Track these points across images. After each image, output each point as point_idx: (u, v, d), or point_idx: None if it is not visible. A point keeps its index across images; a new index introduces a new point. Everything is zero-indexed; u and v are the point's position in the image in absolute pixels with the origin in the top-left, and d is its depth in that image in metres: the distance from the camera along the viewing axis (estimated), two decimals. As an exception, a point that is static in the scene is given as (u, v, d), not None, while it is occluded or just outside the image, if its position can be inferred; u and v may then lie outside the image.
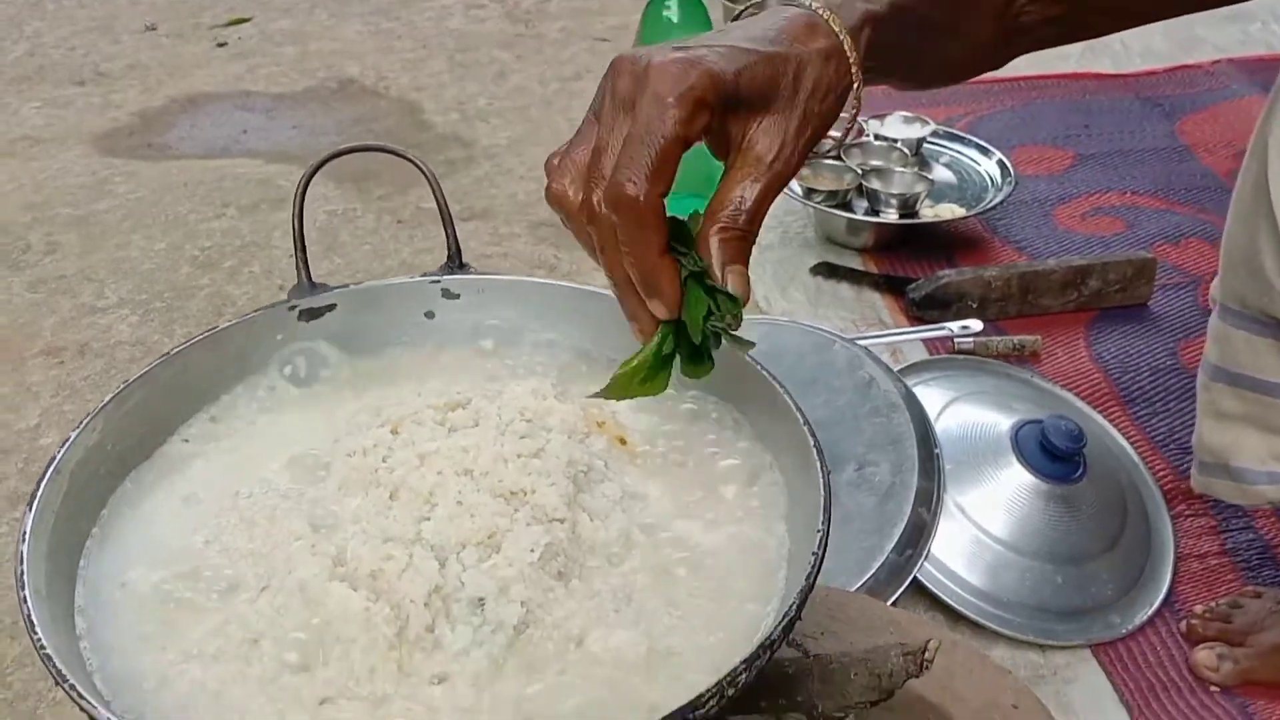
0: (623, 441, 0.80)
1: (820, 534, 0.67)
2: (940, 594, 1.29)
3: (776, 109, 0.66)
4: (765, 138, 0.66)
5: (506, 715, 0.62)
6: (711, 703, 0.57)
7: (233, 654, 0.65)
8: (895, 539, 1.26)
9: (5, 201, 2.19)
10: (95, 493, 0.74)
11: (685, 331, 0.68)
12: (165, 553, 0.71)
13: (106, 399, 0.75)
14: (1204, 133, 2.33)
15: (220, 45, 2.84)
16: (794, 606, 0.63)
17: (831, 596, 1.03)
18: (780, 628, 0.61)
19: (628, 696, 0.63)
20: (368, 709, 0.62)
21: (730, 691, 0.58)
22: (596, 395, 0.71)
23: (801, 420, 0.75)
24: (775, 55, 0.66)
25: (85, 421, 0.73)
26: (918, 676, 0.71)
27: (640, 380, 0.69)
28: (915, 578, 1.28)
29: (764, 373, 0.79)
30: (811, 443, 0.74)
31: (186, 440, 0.80)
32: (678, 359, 0.70)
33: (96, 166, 2.30)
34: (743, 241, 0.66)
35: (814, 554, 0.66)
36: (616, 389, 0.70)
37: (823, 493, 0.69)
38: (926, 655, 0.70)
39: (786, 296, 1.87)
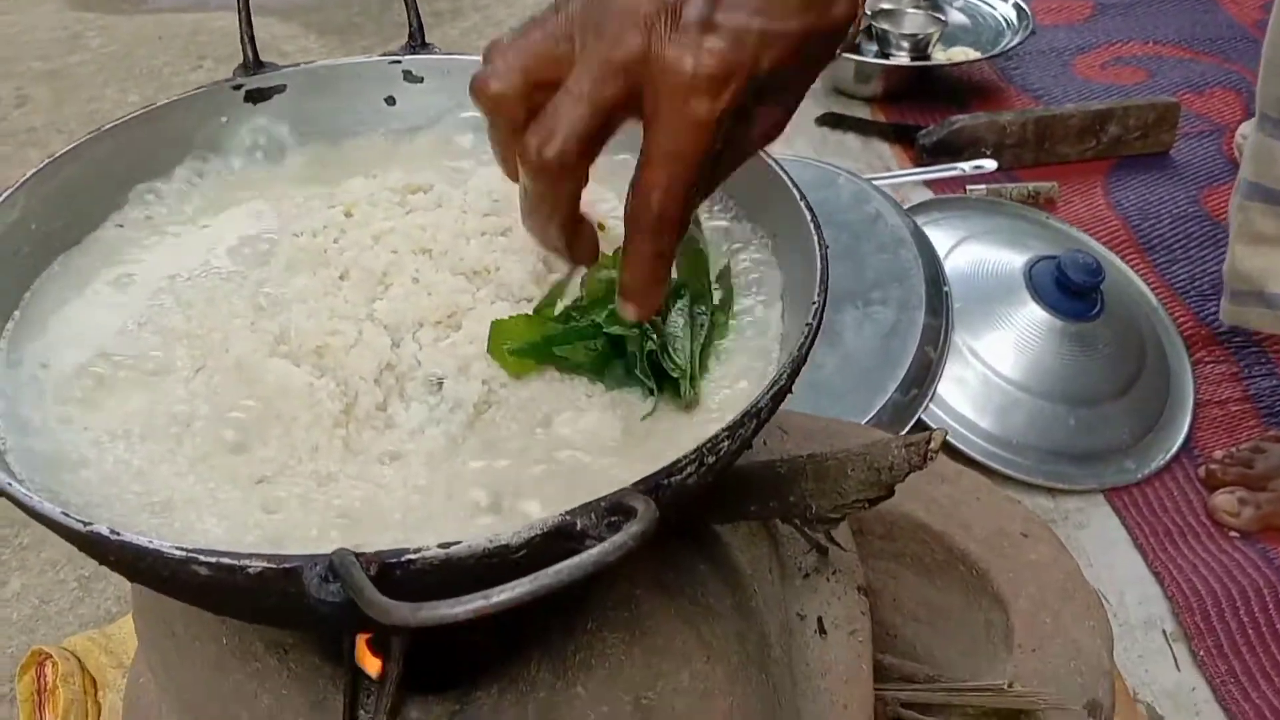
0: (601, 227, 0.72)
1: (815, 305, 0.60)
2: (948, 436, 1.22)
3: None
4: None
5: (462, 493, 0.55)
6: (689, 469, 0.50)
7: (161, 433, 0.58)
8: (900, 378, 1.20)
9: (-26, 56, 2.09)
10: (16, 273, 0.67)
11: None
12: (93, 334, 0.65)
13: (28, 174, 0.68)
14: (1232, -17, 2.21)
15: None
16: (784, 375, 0.56)
17: (832, 425, 0.97)
18: (769, 396, 0.55)
19: (599, 475, 0.56)
20: (310, 486, 0.55)
21: (710, 459, 0.51)
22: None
23: (798, 195, 0.68)
24: None
25: (5, 195, 0.66)
26: (921, 468, 0.64)
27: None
28: (920, 419, 1.21)
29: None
30: (808, 217, 0.66)
31: (121, 225, 0.73)
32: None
33: (69, 21, 2.20)
34: None
35: (808, 324, 0.59)
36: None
37: (819, 264, 0.62)
38: (930, 445, 0.63)
39: (791, 146, 1.78)
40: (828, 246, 0.64)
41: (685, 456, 0.50)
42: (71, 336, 0.65)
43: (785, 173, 0.69)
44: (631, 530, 0.41)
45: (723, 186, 0.75)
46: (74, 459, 0.57)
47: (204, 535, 0.54)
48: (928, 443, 0.65)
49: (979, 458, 1.21)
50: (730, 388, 0.63)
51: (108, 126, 0.73)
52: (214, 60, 2.03)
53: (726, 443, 0.52)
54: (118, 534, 0.48)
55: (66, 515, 0.49)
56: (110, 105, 1.92)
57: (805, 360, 0.58)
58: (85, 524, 0.48)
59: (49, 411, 0.60)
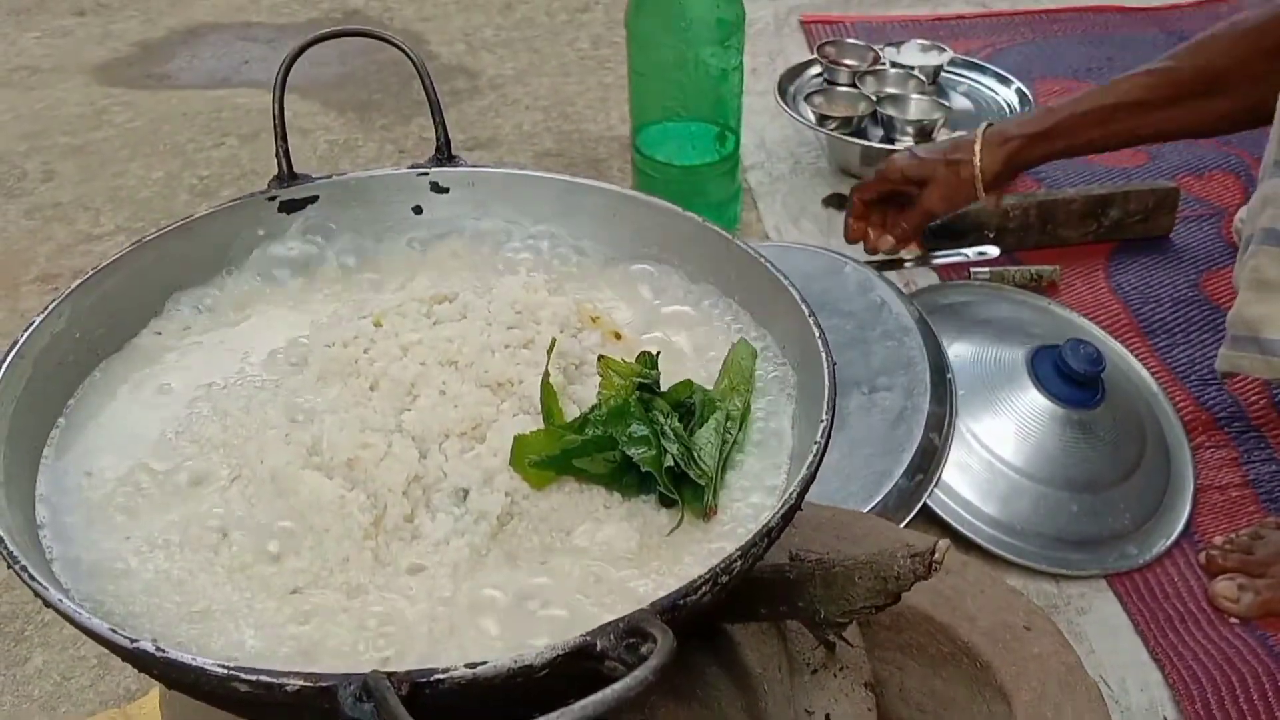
0: (617, 336, 0.76)
1: (824, 424, 0.63)
2: (952, 521, 1.25)
3: (928, 188, 1.46)
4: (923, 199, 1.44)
5: (485, 604, 0.58)
6: (704, 588, 0.53)
7: (200, 543, 0.61)
8: (905, 464, 1.23)
9: (3, 131, 2.15)
10: (62, 382, 0.70)
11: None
12: (134, 443, 0.68)
13: (73, 284, 0.72)
14: (1230, 66, 2.26)
15: (223, -24, 2.78)
16: (794, 495, 0.59)
17: (838, 517, 0.99)
18: (779, 515, 0.57)
19: (616, 587, 0.59)
20: (341, 598, 0.58)
21: (724, 579, 0.54)
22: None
23: (807, 312, 0.71)
24: (927, 161, 1.47)
25: (51, 306, 0.70)
26: (926, 578, 0.67)
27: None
28: (926, 504, 1.24)
29: (764, 263, 0.75)
30: (816, 334, 0.69)
31: (159, 333, 0.76)
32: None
33: (95, 96, 2.26)
34: None
35: (816, 443, 0.62)
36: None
37: (827, 383, 0.65)
38: (935, 556, 0.66)
39: (798, 227, 1.82)
40: (835, 364, 0.67)
41: (700, 577, 0.53)
42: (113, 444, 0.68)
43: (795, 288, 0.73)
44: (651, 665, 0.44)
45: (735, 297, 0.79)
46: (117, 568, 0.60)
47: (240, 646, 0.57)
48: (932, 553, 0.67)
49: (984, 544, 1.23)
50: (742, 500, 0.66)
51: (148, 238, 0.76)
52: (236, 138, 2.08)
53: (739, 563, 0.55)
54: (163, 651, 0.50)
55: (114, 632, 0.51)
56: (135, 182, 1.97)
57: (814, 478, 0.61)
58: (132, 640, 0.51)
59: (93, 519, 0.63)
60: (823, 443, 0.62)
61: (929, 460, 1.24)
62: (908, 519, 1.21)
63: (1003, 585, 0.97)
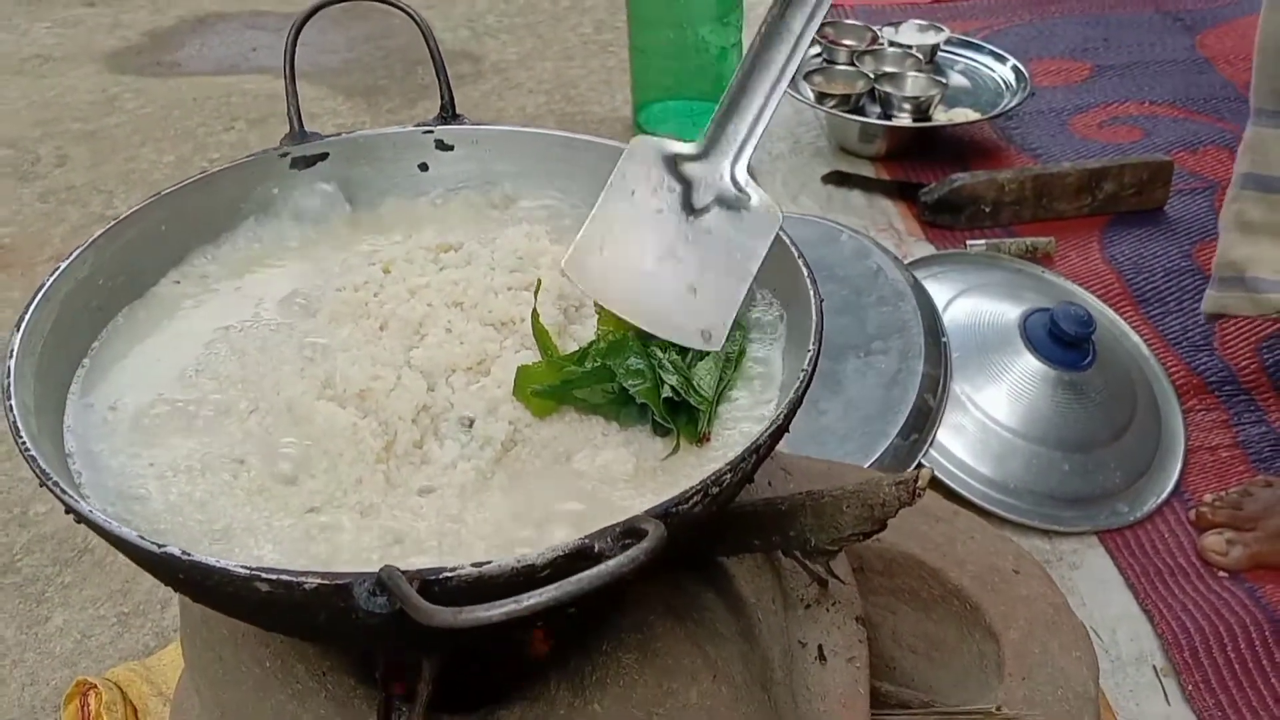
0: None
1: (811, 353, 0.66)
2: (947, 480, 1.28)
3: None
4: None
5: (491, 520, 0.61)
6: (695, 499, 0.56)
7: (220, 468, 0.65)
8: (900, 424, 1.26)
9: (16, 118, 2.18)
10: (86, 324, 0.74)
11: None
12: (156, 380, 0.71)
13: (97, 234, 0.75)
14: (1225, 45, 2.29)
15: (231, -34, 2.82)
16: (781, 416, 0.62)
17: (835, 469, 1.02)
18: (768, 434, 0.61)
19: (613, 504, 0.62)
20: (354, 516, 0.61)
21: (715, 490, 0.57)
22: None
23: (796, 254, 0.74)
24: None
25: (75, 253, 0.73)
26: (910, 504, 0.70)
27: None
28: (921, 463, 1.27)
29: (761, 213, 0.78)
30: (806, 273, 0.73)
31: (178, 281, 0.80)
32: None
33: (106, 84, 2.30)
34: None
35: (804, 370, 0.65)
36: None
37: (815, 316, 0.69)
38: (919, 484, 0.69)
39: (798, 204, 1.85)
40: (823, 300, 0.71)
41: (692, 488, 0.56)
42: (136, 381, 0.71)
43: (787, 235, 0.76)
44: (643, 546, 0.47)
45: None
46: (142, 492, 0.64)
47: (260, 559, 0.60)
48: (916, 480, 0.71)
49: (978, 501, 1.27)
50: (734, 429, 0.69)
51: (166, 191, 0.80)
52: (246, 122, 2.11)
53: (729, 476, 0.58)
54: (189, 555, 0.54)
55: (143, 539, 0.55)
56: (146, 165, 2.01)
57: (801, 402, 0.64)
58: (160, 546, 0.54)
59: (118, 448, 0.67)
60: (809, 370, 0.65)
61: (924, 420, 1.27)
62: (903, 477, 1.24)
63: (991, 532, 1.01)
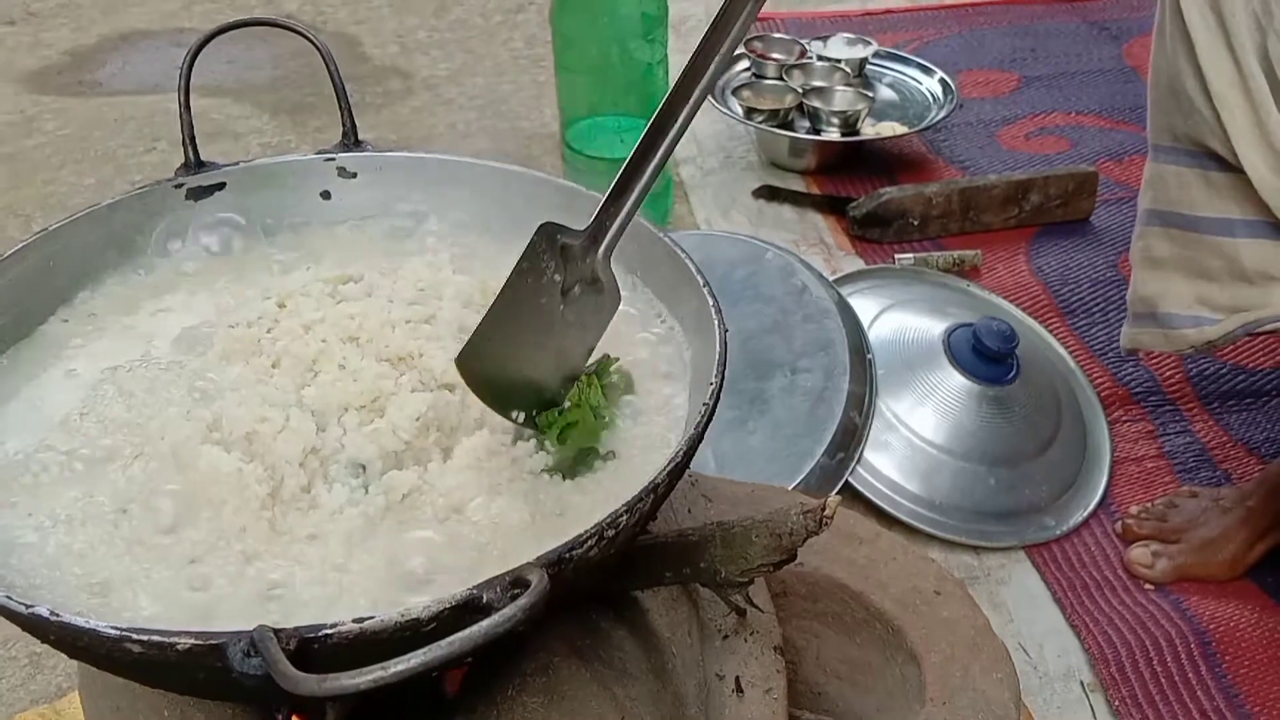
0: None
1: (713, 386, 0.65)
2: (874, 498, 1.28)
3: None
4: None
5: (378, 569, 0.59)
6: (590, 543, 0.55)
7: (100, 518, 0.62)
8: (826, 442, 1.25)
9: (-69, 140, 2.13)
10: (-34, 368, 0.71)
11: None
12: (39, 424, 0.69)
13: (-24, 273, 0.72)
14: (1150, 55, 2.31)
15: (155, -17, 2.77)
16: (680, 454, 0.61)
17: (758, 492, 1.01)
18: (665, 472, 0.59)
19: (507, 552, 0.61)
20: (237, 565, 0.59)
21: (610, 533, 0.56)
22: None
23: (701, 282, 0.73)
24: None
25: (-46, 295, 0.70)
26: (817, 534, 0.69)
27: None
28: (848, 481, 1.27)
29: (664, 240, 0.77)
30: (711, 303, 0.72)
31: (66, 320, 0.77)
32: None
33: (25, 104, 2.25)
34: None
35: (704, 404, 0.64)
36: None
37: (718, 348, 0.67)
38: (826, 512, 0.68)
39: (728, 219, 1.85)
40: (727, 330, 0.70)
41: (586, 532, 0.55)
42: (19, 426, 0.69)
43: (690, 259, 0.75)
44: (521, 604, 0.45)
45: (638, 273, 0.81)
46: (20, 543, 0.61)
47: (139, 614, 0.58)
48: (823, 509, 0.70)
49: (905, 519, 1.26)
50: (641, 459, 0.68)
51: (54, 226, 0.77)
52: (168, 142, 2.07)
53: (625, 517, 0.57)
54: (57, 615, 0.52)
55: (10, 599, 0.52)
56: (66, 188, 1.96)
57: (701, 439, 0.63)
58: (27, 606, 0.52)
59: (-4, 498, 0.64)
60: (710, 404, 0.64)
61: (850, 439, 1.27)
62: (832, 494, 1.23)
63: (914, 553, 1.00)
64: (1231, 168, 1.03)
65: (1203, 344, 1.09)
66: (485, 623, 0.44)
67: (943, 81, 2.00)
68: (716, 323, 0.70)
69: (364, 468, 0.65)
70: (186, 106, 0.83)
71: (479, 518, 0.64)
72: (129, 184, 1.97)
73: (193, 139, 0.83)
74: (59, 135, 2.13)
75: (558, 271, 0.68)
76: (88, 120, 2.18)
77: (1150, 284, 1.12)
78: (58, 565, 0.60)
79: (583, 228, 0.69)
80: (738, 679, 0.81)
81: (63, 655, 1.19)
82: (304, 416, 0.65)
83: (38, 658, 1.20)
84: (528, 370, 0.69)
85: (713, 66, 0.65)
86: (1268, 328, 1.07)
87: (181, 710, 0.71)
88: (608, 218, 0.68)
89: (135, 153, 2.06)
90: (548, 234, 0.68)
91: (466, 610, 0.51)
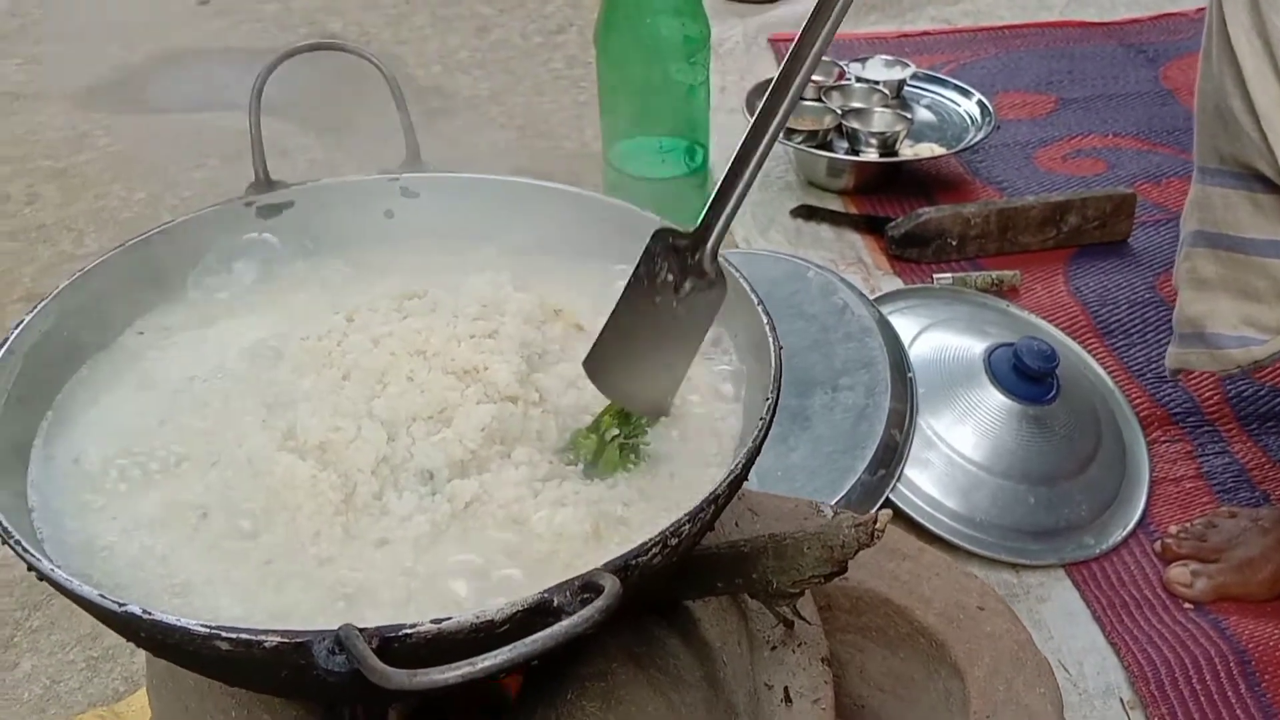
0: (580, 328, 0.80)
1: (769, 402, 0.67)
2: (914, 515, 1.29)
3: None
4: None
5: (444, 573, 0.62)
6: (654, 550, 0.57)
7: (181, 522, 0.65)
8: (868, 459, 1.27)
9: (-14, 156, 2.18)
10: (50, 377, 0.74)
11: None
12: (119, 432, 0.72)
13: (60, 285, 0.75)
14: (1188, 77, 2.31)
15: (202, 3, 2.83)
16: (740, 466, 0.63)
17: (800, 507, 1.03)
18: (725, 483, 0.61)
19: (570, 561, 0.63)
20: (312, 567, 0.62)
21: (674, 541, 0.58)
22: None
23: (755, 300, 0.75)
24: None
25: (40, 306, 0.73)
26: (869, 545, 0.71)
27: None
28: (888, 498, 1.28)
29: (724, 264, 0.79)
30: (765, 321, 0.74)
31: (142, 332, 0.80)
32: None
33: (76, 121, 2.30)
34: None
35: (762, 419, 0.66)
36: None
37: (774, 365, 0.70)
38: (878, 525, 0.70)
39: (766, 238, 1.87)
40: (782, 348, 0.72)
41: (651, 540, 0.57)
42: (100, 434, 0.72)
43: (747, 282, 0.77)
44: (598, 605, 0.47)
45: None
46: (103, 546, 0.64)
47: (220, 613, 0.60)
48: (874, 522, 0.72)
49: (946, 535, 1.27)
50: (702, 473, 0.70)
51: (130, 242, 0.80)
52: (217, 159, 2.11)
53: (688, 526, 0.59)
54: (149, 613, 0.54)
55: (103, 597, 0.55)
56: (117, 203, 2.01)
57: (759, 451, 0.65)
58: (120, 604, 0.55)
59: (81, 503, 0.67)
60: (767, 418, 0.66)
61: (891, 456, 1.28)
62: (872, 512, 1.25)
63: (957, 569, 1.02)
64: (1278, 189, 1.05)
65: (1249, 364, 1.10)
66: (565, 623, 0.47)
67: (980, 103, 2.01)
68: (771, 340, 0.72)
69: (432, 475, 0.67)
70: (258, 126, 0.86)
71: (541, 528, 0.66)
72: (178, 199, 2.01)
73: (263, 159, 0.86)
74: (110, 151, 2.18)
75: (670, 271, 0.71)
76: (137, 136, 2.22)
77: (1196, 305, 1.13)
78: (141, 566, 0.63)
79: (690, 230, 0.72)
80: (786, 689, 0.83)
81: (119, 660, 1.23)
82: (375, 426, 0.68)
83: (94, 662, 1.23)
84: (649, 364, 0.72)
85: (805, 66, 0.67)
86: None
87: (249, 710, 0.74)
88: (713, 217, 0.71)
89: (184, 168, 2.11)
90: (661, 238, 0.72)
91: (538, 613, 0.53)
